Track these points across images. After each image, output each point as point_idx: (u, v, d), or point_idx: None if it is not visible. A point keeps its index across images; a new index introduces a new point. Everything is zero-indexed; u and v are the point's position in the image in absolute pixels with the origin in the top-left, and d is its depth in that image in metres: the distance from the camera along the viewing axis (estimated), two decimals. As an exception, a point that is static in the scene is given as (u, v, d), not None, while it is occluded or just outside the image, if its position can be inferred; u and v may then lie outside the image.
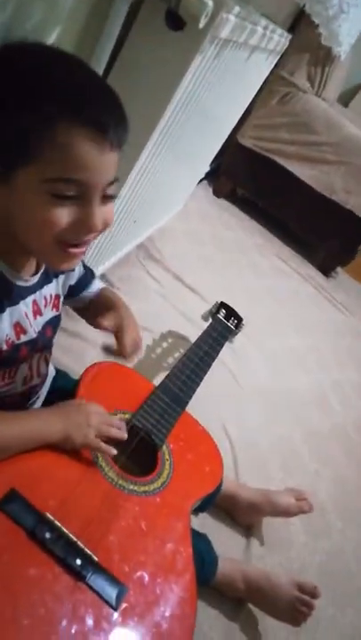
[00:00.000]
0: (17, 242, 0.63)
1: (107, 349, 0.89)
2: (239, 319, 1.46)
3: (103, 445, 0.77)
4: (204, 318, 1.43)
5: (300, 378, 1.85)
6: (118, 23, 0.88)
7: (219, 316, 1.41)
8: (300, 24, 2.19)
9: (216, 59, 1.05)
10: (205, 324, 1.36)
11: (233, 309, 1.47)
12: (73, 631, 0.60)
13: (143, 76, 0.92)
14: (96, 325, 0.88)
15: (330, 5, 1.19)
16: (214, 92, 1.22)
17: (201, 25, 0.84)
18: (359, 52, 2.59)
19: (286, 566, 1.18)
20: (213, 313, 1.43)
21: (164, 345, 1.54)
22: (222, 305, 1.46)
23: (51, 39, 0.81)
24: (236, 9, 0.94)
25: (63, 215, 0.58)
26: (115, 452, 0.79)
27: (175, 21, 0.87)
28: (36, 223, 0.58)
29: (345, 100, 3.10)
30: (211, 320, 1.39)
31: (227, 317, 1.43)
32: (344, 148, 2.36)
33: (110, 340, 0.90)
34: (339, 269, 2.79)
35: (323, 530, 1.33)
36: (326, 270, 2.69)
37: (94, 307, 0.94)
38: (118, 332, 0.87)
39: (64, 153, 0.54)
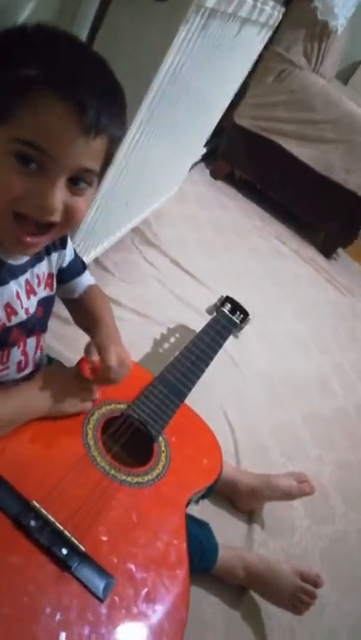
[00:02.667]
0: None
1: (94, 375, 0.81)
2: (245, 314, 1.44)
3: (88, 405, 0.81)
4: (209, 312, 1.42)
5: (300, 361, 1.82)
6: (98, -7, 0.84)
7: (223, 309, 1.40)
8: (294, -2, 2.13)
9: (203, 30, 1.00)
10: (209, 317, 1.35)
11: (239, 304, 1.46)
12: (56, 621, 0.58)
13: (127, 48, 0.88)
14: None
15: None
16: (204, 68, 1.18)
17: (185, -8, 0.80)
18: (357, 29, 2.53)
19: (289, 551, 1.16)
20: (218, 307, 1.42)
21: (167, 335, 1.52)
22: (228, 299, 1.45)
23: (27, 10, 0.77)
24: (223, -25, 0.90)
25: (22, 182, 0.56)
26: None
27: (158, -10, 0.83)
28: None
29: (345, 77, 3.03)
30: (215, 314, 1.38)
31: (232, 311, 1.41)
32: (343, 126, 2.31)
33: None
34: (340, 251, 2.75)
35: (326, 514, 1.31)
36: (327, 252, 2.64)
37: (79, 311, 0.93)
38: (100, 355, 0.80)
39: (37, 118, 0.54)
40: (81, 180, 0.59)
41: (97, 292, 0.95)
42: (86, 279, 0.93)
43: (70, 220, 0.61)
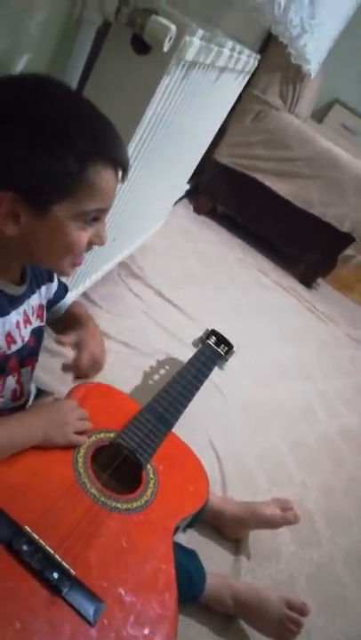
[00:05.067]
0: (11, 256, 0.69)
1: (65, 367, 0.88)
2: (230, 346, 1.49)
3: (82, 439, 0.85)
4: (195, 345, 1.47)
5: (284, 389, 1.86)
6: (86, 48, 0.91)
7: (209, 342, 1.45)
8: (270, 44, 2.26)
9: (184, 80, 1.08)
10: (195, 349, 1.39)
11: (223, 337, 1.51)
12: None
13: (114, 99, 0.94)
14: (57, 342, 0.88)
15: (291, 27, 1.24)
16: (186, 112, 1.25)
17: (165, 49, 0.87)
18: (330, 70, 2.68)
19: (276, 578, 1.18)
20: (204, 339, 1.47)
21: (155, 366, 1.55)
22: (213, 332, 1.50)
23: (20, 66, 0.83)
24: (200, 32, 0.97)
25: (87, 235, 0.68)
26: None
27: (141, 46, 0.90)
28: (65, 245, 0.67)
29: (319, 116, 3.18)
30: (201, 346, 1.42)
31: (217, 344, 1.47)
32: (318, 163, 2.42)
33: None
34: (320, 281, 2.82)
35: (311, 540, 1.33)
36: (308, 282, 2.72)
37: (61, 321, 0.97)
38: (77, 349, 0.88)
39: (95, 188, 0.63)
40: None
41: (77, 305, 1.00)
42: (68, 300, 0.98)
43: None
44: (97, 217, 0.67)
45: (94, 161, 0.62)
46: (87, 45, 0.90)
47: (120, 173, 0.66)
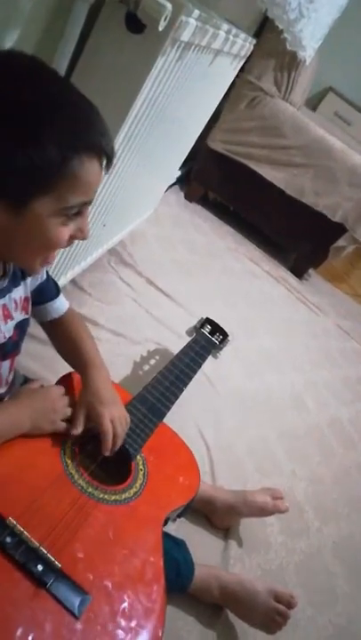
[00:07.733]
0: None
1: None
2: (225, 335, 1.47)
3: (67, 426, 0.83)
4: (189, 334, 1.45)
5: (274, 379, 1.86)
6: (78, 25, 0.87)
7: (203, 330, 1.43)
8: (265, 30, 2.22)
9: (179, 62, 1.05)
10: (186, 337, 1.37)
11: (218, 325, 1.49)
12: (30, 638, 0.58)
13: (106, 79, 0.92)
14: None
15: (290, 9, 1.21)
16: (179, 96, 1.22)
17: (160, 28, 0.84)
18: (325, 58, 2.65)
19: (265, 567, 1.18)
20: (198, 328, 1.44)
21: (145, 355, 1.53)
22: (207, 320, 1.48)
23: (10, 42, 0.80)
24: (196, 12, 0.95)
25: (68, 230, 0.63)
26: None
27: (135, 24, 0.87)
28: (44, 243, 0.63)
29: (313, 104, 3.15)
30: (195, 335, 1.40)
31: (211, 333, 1.45)
32: (311, 151, 2.39)
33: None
34: (311, 271, 2.82)
35: (300, 529, 1.33)
36: (299, 272, 2.71)
37: (58, 337, 0.95)
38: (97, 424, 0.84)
39: (78, 181, 0.58)
40: None
41: (75, 320, 0.96)
42: (61, 303, 0.94)
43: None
44: (80, 211, 0.63)
45: (77, 151, 0.56)
46: (79, 22, 0.86)
47: (105, 162, 0.62)
